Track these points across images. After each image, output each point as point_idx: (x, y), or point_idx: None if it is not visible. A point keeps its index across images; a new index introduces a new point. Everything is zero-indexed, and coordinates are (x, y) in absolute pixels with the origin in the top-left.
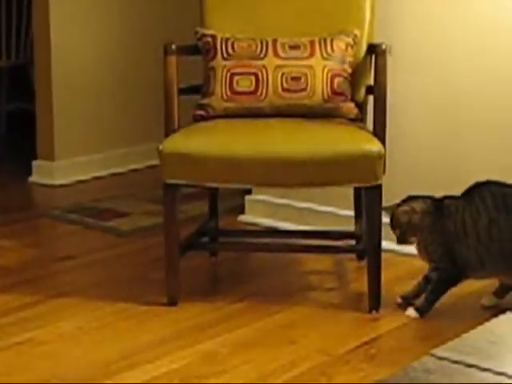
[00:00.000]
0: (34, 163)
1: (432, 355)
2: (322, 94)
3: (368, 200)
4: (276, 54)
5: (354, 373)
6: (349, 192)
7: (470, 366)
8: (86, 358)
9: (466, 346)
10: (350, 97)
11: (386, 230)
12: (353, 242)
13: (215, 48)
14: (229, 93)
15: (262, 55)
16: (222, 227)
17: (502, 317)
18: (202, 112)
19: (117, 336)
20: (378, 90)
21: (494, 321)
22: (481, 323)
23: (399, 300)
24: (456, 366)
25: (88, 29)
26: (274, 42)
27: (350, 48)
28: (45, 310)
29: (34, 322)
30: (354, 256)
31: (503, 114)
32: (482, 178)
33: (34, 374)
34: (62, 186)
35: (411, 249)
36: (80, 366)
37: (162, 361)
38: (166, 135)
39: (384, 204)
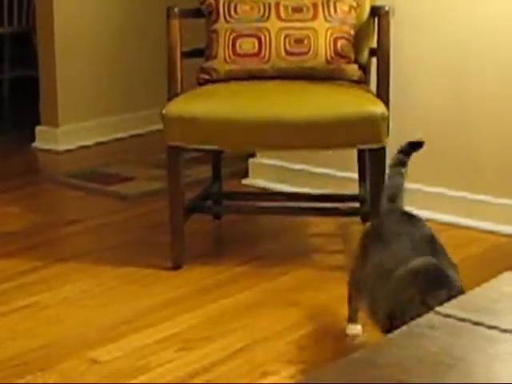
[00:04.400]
0: (38, 129)
1: (436, 312)
2: (325, 56)
3: (372, 162)
4: (279, 17)
5: None
6: (353, 154)
7: (474, 323)
8: (91, 321)
9: (470, 304)
10: (353, 59)
11: None
12: (357, 204)
13: (218, 11)
14: (232, 55)
15: (264, 17)
16: (226, 191)
17: (505, 274)
18: (205, 75)
19: (121, 300)
20: (381, 52)
21: (498, 278)
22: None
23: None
24: (460, 323)
25: None
26: (277, 4)
27: (353, 10)
28: (49, 275)
29: (38, 287)
30: (358, 219)
31: (506, 72)
32: (486, 139)
33: (39, 338)
34: (65, 151)
35: (423, 213)
36: (84, 330)
37: (167, 324)
38: (170, 99)
39: None
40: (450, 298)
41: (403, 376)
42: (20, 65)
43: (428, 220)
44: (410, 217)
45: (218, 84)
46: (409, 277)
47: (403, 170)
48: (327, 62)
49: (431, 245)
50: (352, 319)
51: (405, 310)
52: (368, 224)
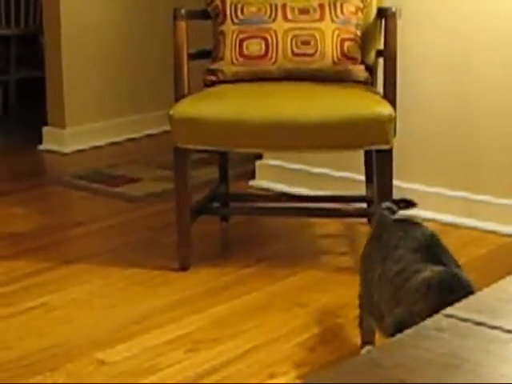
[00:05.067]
0: (45, 130)
1: (444, 314)
2: (332, 57)
3: (379, 163)
4: (285, 18)
5: None
6: (360, 156)
7: (481, 324)
8: (99, 322)
9: (478, 305)
10: (359, 60)
11: (397, 195)
12: (364, 205)
13: (224, 12)
14: (238, 57)
15: (271, 19)
16: (233, 192)
17: None
18: (212, 77)
19: (129, 301)
20: (387, 53)
21: (507, 279)
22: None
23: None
24: (468, 324)
25: None
26: (284, 5)
27: (359, 11)
28: (57, 276)
29: (46, 288)
30: (365, 220)
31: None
32: (492, 139)
33: (47, 339)
34: (72, 152)
35: (426, 214)
36: (92, 331)
37: (174, 325)
38: (177, 100)
39: None
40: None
41: (409, 377)
42: (27, 66)
43: (429, 220)
44: (407, 221)
45: (224, 85)
46: (422, 289)
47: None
48: (334, 63)
49: (435, 246)
50: (367, 341)
51: (417, 322)
52: (366, 243)
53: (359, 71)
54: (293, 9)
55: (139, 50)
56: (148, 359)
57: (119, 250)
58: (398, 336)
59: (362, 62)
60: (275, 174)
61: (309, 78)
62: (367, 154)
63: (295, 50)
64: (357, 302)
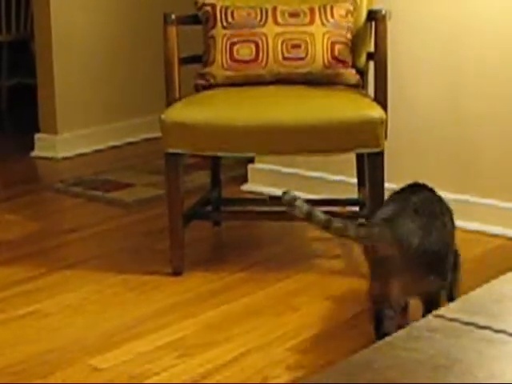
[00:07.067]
0: (37, 137)
1: (436, 315)
2: (323, 60)
3: (370, 166)
4: (276, 22)
5: (362, 336)
6: (351, 159)
7: (473, 324)
8: (92, 328)
9: (471, 305)
10: (350, 63)
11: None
12: (356, 208)
13: (215, 17)
14: (229, 61)
15: (261, 23)
16: (225, 196)
17: (507, 275)
18: (202, 81)
19: (122, 306)
20: (378, 56)
21: (499, 279)
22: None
23: None
24: (459, 324)
25: (88, 2)
26: (274, 9)
27: (350, 14)
28: (50, 282)
29: (38, 294)
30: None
31: (503, 75)
32: (485, 141)
33: (40, 345)
34: (64, 159)
35: None
36: (85, 337)
37: (167, 330)
38: (168, 105)
39: None
40: None
41: (401, 378)
42: (18, 72)
43: None
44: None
45: (215, 90)
46: None
47: None
48: (325, 66)
49: None
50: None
51: None
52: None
53: (350, 74)
54: (283, 13)
55: (130, 55)
56: (142, 364)
57: (112, 255)
58: (389, 337)
59: (353, 66)
60: (267, 178)
61: (300, 81)
62: (359, 157)
63: (286, 53)
64: (349, 304)
